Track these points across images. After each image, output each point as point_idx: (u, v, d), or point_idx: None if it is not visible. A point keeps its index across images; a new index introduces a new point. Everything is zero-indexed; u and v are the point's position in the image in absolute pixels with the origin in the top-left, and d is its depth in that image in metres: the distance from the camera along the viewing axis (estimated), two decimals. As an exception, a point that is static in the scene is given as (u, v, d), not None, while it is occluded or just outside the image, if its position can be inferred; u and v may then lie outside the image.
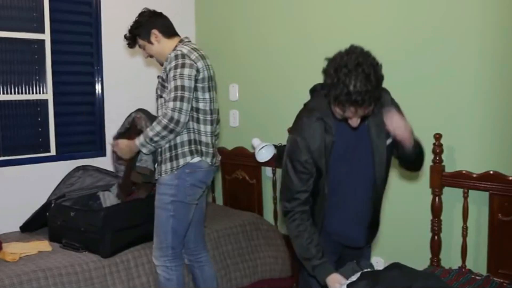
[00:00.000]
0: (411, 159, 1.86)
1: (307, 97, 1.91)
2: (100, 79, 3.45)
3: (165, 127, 2.23)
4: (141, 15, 2.47)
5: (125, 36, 2.50)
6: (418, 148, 1.83)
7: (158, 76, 2.40)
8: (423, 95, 2.57)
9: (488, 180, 2.30)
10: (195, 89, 2.30)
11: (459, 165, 2.45)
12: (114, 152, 2.71)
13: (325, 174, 1.80)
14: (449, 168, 2.46)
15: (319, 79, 1.72)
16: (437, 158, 2.44)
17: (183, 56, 2.29)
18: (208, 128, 2.38)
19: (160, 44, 2.43)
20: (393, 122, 1.70)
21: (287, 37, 3.24)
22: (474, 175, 2.35)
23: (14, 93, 3.11)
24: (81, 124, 3.44)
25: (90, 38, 3.41)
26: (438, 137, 2.43)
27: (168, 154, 2.33)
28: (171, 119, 2.22)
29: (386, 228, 2.50)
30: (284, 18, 3.25)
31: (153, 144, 2.30)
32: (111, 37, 3.39)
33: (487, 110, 2.35)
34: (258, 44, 3.45)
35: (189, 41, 2.45)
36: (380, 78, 1.59)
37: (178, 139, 2.32)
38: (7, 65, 3.08)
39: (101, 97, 3.46)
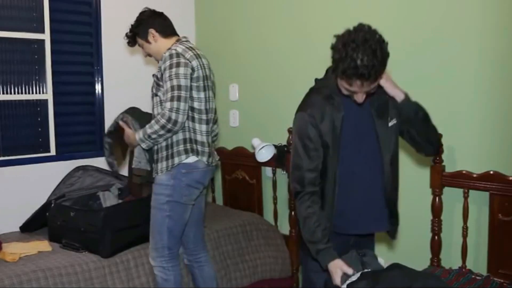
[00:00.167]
0: (419, 128, 1.87)
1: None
2: (100, 79, 3.45)
3: (163, 127, 2.25)
4: (141, 14, 2.49)
5: (126, 34, 2.52)
6: (421, 111, 1.86)
7: (153, 75, 2.41)
8: (423, 95, 2.53)
9: (488, 180, 2.29)
10: (190, 88, 2.31)
11: (459, 165, 2.45)
12: (105, 147, 2.71)
13: (334, 153, 1.82)
14: (449, 168, 2.46)
15: (319, 79, 1.72)
16: (437, 158, 2.44)
17: (178, 55, 2.30)
18: (204, 127, 2.38)
19: (157, 43, 2.44)
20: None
21: (287, 37, 3.24)
22: (474, 175, 2.35)
23: (14, 93, 3.11)
24: (81, 124, 3.44)
25: (90, 38, 3.41)
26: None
27: (164, 153, 2.35)
28: (169, 119, 2.23)
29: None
30: (284, 18, 3.25)
31: (151, 141, 2.32)
32: (111, 37, 3.39)
33: (487, 110, 2.35)
34: (258, 44, 3.45)
35: (187, 41, 2.46)
36: (385, 55, 1.65)
37: (174, 138, 2.33)
38: (7, 65, 3.08)
39: (101, 97, 3.46)
